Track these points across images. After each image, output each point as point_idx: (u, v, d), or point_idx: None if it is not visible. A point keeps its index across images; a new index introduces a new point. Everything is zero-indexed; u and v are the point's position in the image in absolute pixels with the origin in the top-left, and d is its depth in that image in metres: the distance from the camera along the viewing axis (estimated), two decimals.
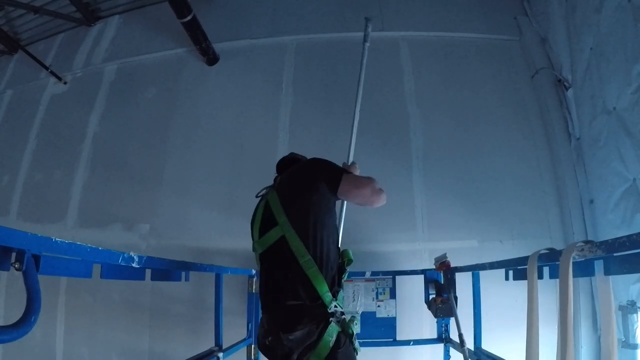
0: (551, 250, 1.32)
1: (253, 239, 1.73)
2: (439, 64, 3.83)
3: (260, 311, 2.95)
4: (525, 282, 1.34)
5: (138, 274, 1.50)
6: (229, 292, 2.71)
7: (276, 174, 1.91)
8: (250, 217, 1.81)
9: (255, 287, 2.95)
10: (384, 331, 2.96)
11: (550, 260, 1.30)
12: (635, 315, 2.58)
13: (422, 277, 2.83)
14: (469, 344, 2.26)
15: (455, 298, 2.45)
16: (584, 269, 1.24)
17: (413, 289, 2.97)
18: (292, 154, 1.96)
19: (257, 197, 1.83)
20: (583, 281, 2.94)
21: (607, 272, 1.16)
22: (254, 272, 2.90)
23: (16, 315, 0.76)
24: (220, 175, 3.62)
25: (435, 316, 2.58)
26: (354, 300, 2.99)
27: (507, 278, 1.81)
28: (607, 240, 1.04)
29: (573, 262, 1.11)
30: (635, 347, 2.57)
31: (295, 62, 3.96)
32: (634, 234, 0.94)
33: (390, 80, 3.76)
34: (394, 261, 3.21)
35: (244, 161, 3.62)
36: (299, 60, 3.97)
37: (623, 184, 2.76)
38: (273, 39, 4.08)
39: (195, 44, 3.87)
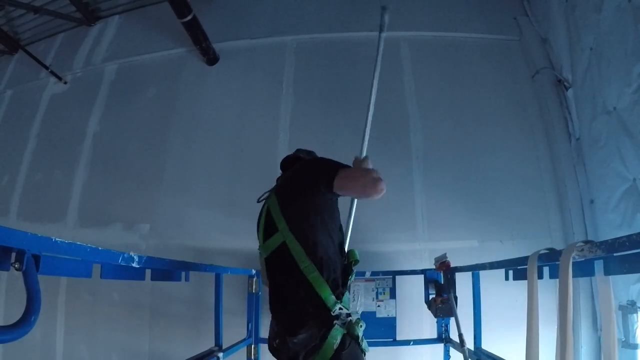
0: (551, 250, 1.32)
1: (259, 243, 1.73)
2: (439, 64, 3.83)
3: (260, 311, 2.98)
4: (525, 282, 1.34)
5: (138, 274, 1.50)
6: (229, 292, 2.71)
7: (281, 173, 1.88)
8: (251, 218, 1.80)
9: (255, 287, 2.95)
10: (384, 331, 2.96)
11: (550, 260, 1.30)
12: (635, 315, 2.58)
13: (422, 277, 2.83)
14: (469, 344, 2.26)
15: (455, 298, 2.45)
16: (584, 269, 1.24)
17: (413, 289, 2.97)
18: (297, 151, 1.90)
19: (258, 201, 1.80)
20: (583, 281, 2.94)
21: (607, 272, 1.16)
22: (254, 272, 2.90)
23: (16, 315, 0.76)
24: (221, 175, 3.62)
25: (435, 316, 2.58)
26: (354, 300, 2.99)
27: (507, 278, 1.81)
28: (607, 240, 1.04)
29: (573, 262, 1.11)
30: (635, 347, 2.57)
31: (295, 62, 3.96)
32: (634, 234, 0.94)
33: (391, 80, 3.75)
34: (394, 261, 3.21)
35: (244, 161, 3.62)
36: (299, 60, 3.97)
37: (623, 184, 2.76)
38: (273, 39, 4.08)
39: (195, 43, 3.87)
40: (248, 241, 3.31)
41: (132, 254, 1.29)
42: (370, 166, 1.75)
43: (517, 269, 1.75)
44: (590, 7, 3.08)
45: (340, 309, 1.50)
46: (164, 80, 4.11)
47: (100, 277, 1.28)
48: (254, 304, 2.95)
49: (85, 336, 3.41)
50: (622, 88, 2.74)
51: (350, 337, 1.50)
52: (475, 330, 2.35)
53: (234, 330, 2.80)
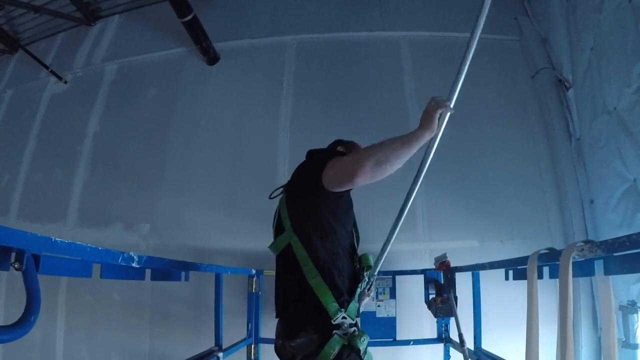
0: (551, 250, 1.31)
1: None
2: (439, 64, 3.81)
3: (260, 311, 2.98)
4: (525, 282, 1.34)
5: (138, 274, 1.50)
6: (229, 292, 2.71)
7: None
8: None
9: (255, 287, 2.95)
10: (384, 331, 2.96)
11: (550, 260, 1.30)
12: (635, 315, 2.58)
13: (422, 277, 2.83)
14: (469, 344, 2.26)
15: (455, 298, 2.44)
16: (584, 269, 1.24)
17: (413, 289, 2.97)
18: (335, 142, 1.83)
19: (271, 198, 1.73)
20: (583, 281, 2.94)
21: (607, 272, 1.16)
22: (253, 272, 2.90)
23: (16, 315, 0.76)
24: (220, 175, 3.61)
25: (435, 316, 2.58)
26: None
27: (507, 278, 1.81)
28: (607, 240, 1.04)
29: (573, 262, 1.11)
30: (635, 347, 2.57)
31: (295, 61, 3.96)
32: (634, 234, 0.94)
33: (391, 80, 3.76)
34: (394, 261, 3.20)
35: (244, 161, 3.63)
36: (300, 60, 3.97)
37: (623, 184, 2.76)
38: (273, 39, 4.08)
39: (195, 43, 3.87)
40: (248, 241, 3.34)
41: (132, 253, 1.29)
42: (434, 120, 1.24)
43: (517, 268, 1.75)
44: (591, 7, 3.08)
45: (343, 317, 1.41)
46: (164, 80, 4.11)
47: (100, 277, 1.28)
48: (254, 303, 2.95)
49: (85, 336, 3.41)
50: (622, 88, 2.74)
51: (351, 349, 1.41)
52: (475, 330, 2.35)
53: (234, 330, 2.80)
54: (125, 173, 3.77)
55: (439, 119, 1.26)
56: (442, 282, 2.60)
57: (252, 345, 2.89)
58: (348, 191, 1.49)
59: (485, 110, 3.62)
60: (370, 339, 1.51)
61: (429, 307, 2.61)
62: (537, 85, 3.65)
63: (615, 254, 1.10)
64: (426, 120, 1.25)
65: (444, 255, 2.53)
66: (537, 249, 1.34)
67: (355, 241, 1.72)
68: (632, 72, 2.62)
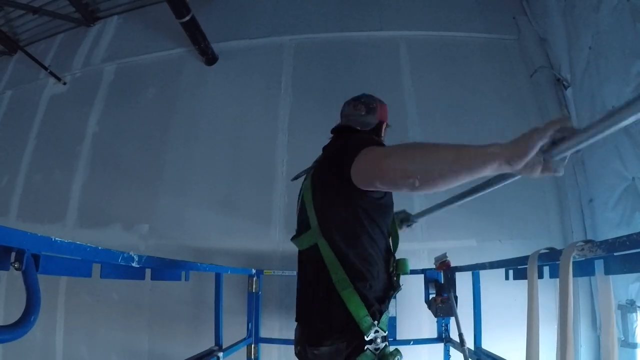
0: (551, 249, 1.32)
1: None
2: (438, 64, 3.83)
3: (260, 311, 2.98)
4: (525, 281, 1.34)
5: (138, 274, 1.49)
6: (229, 292, 2.70)
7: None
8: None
9: (255, 287, 2.95)
10: None
11: (551, 259, 1.30)
12: (634, 314, 2.59)
13: (421, 276, 2.83)
14: (469, 344, 2.26)
15: (455, 298, 2.44)
16: (584, 269, 1.24)
17: (413, 289, 2.97)
18: (346, 119, 1.51)
19: (292, 180, 1.51)
20: (582, 280, 2.94)
21: (608, 271, 1.16)
22: (254, 271, 2.90)
23: (16, 315, 0.76)
24: (220, 175, 3.61)
25: (435, 316, 2.57)
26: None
27: (507, 278, 1.81)
28: (607, 240, 1.04)
29: (573, 262, 1.11)
30: (634, 346, 2.58)
31: (294, 62, 3.96)
32: (634, 234, 0.94)
33: (389, 80, 3.76)
34: None
35: (244, 161, 3.63)
36: (299, 60, 3.97)
37: (622, 183, 2.77)
38: (272, 39, 4.08)
39: (194, 44, 3.87)
40: (248, 241, 3.35)
41: (131, 253, 1.29)
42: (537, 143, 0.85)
43: (517, 268, 1.75)
44: (589, 6, 3.08)
45: (376, 331, 1.21)
46: (163, 81, 4.11)
47: (100, 277, 1.28)
48: (254, 303, 2.95)
49: (85, 336, 3.40)
50: (620, 87, 2.74)
51: None
52: (475, 330, 2.35)
53: (234, 329, 2.80)
54: (125, 173, 3.78)
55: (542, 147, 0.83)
56: (442, 282, 2.60)
57: (252, 345, 2.89)
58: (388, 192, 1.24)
59: (483, 109, 3.62)
60: None
61: (429, 307, 2.60)
62: (536, 84, 3.65)
63: (615, 254, 1.10)
64: (521, 139, 0.84)
65: (444, 255, 2.53)
66: (536, 249, 1.34)
67: (391, 243, 1.50)
68: (630, 71, 2.62)
